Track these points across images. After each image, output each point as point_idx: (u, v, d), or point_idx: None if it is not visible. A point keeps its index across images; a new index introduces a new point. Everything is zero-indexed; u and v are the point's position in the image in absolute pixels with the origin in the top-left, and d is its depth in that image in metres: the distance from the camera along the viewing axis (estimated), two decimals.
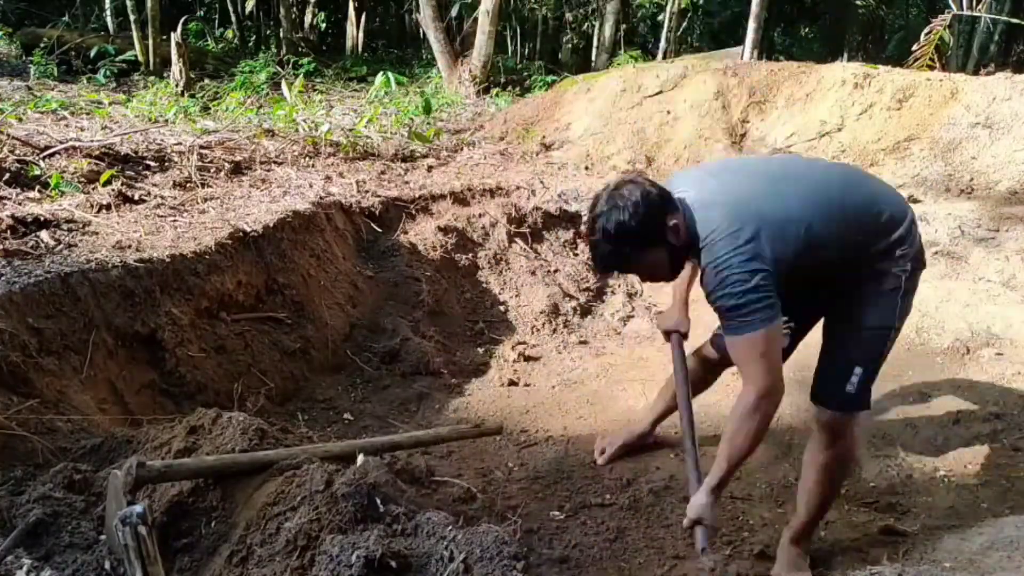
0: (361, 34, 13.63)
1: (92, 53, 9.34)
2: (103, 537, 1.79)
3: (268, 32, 14.04)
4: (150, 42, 9.53)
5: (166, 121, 5.66)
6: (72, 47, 9.35)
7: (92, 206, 3.57)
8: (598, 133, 6.10)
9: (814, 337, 2.28)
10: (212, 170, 4.50)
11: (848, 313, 2.14)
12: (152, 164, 4.42)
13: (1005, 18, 9.72)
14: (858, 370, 2.11)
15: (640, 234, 1.97)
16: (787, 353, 2.40)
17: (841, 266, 2.08)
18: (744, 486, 2.73)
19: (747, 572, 2.21)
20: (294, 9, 13.54)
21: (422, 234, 4.48)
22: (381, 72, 7.58)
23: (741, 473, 2.82)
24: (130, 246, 3.13)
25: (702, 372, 2.71)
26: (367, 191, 4.69)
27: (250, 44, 13.35)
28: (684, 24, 14.03)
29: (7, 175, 3.71)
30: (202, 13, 13.37)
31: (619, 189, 2.00)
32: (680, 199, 2.04)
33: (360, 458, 1.98)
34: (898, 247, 2.05)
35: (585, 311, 4.41)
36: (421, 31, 12.63)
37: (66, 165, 4.04)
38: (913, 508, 2.55)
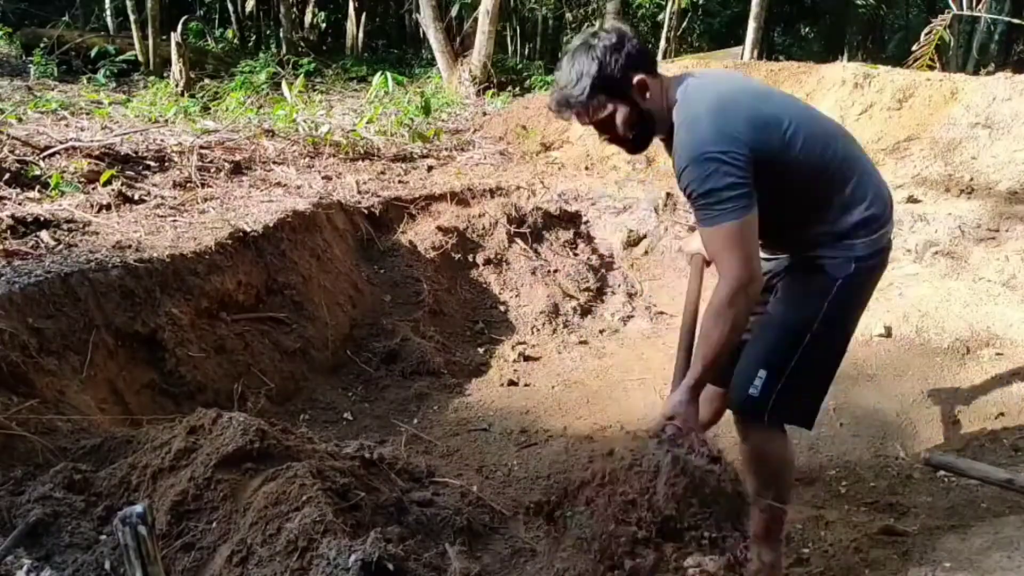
0: (361, 34, 13.64)
1: (92, 53, 9.34)
2: (103, 537, 1.78)
3: (268, 32, 14.05)
4: (150, 42, 9.53)
5: (166, 121, 5.66)
6: (72, 47, 9.35)
7: (92, 206, 3.57)
8: None
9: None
10: (212, 170, 4.50)
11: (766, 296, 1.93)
12: (152, 164, 4.43)
13: (1005, 18, 9.72)
14: (762, 372, 1.89)
15: (599, 75, 1.80)
16: None
17: (795, 212, 1.86)
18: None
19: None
20: (294, 9, 13.54)
21: (422, 234, 4.48)
22: (380, 72, 7.58)
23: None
24: (130, 246, 3.13)
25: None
26: (367, 191, 4.70)
27: (250, 44, 13.36)
28: (684, 24, 14.03)
29: (7, 175, 3.71)
30: (202, 13, 13.37)
31: (601, 29, 1.88)
32: (675, 76, 1.90)
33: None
34: (858, 231, 1.83)
35: (585, 311, 4.41)
36: (421, 31, 12.64)
37: (66, 165, 4.04)
38: (913, 508, 2.54)
